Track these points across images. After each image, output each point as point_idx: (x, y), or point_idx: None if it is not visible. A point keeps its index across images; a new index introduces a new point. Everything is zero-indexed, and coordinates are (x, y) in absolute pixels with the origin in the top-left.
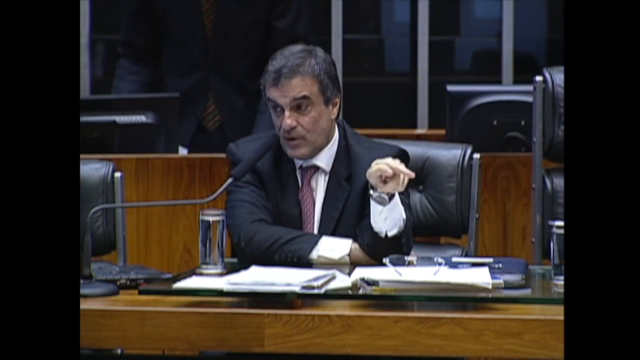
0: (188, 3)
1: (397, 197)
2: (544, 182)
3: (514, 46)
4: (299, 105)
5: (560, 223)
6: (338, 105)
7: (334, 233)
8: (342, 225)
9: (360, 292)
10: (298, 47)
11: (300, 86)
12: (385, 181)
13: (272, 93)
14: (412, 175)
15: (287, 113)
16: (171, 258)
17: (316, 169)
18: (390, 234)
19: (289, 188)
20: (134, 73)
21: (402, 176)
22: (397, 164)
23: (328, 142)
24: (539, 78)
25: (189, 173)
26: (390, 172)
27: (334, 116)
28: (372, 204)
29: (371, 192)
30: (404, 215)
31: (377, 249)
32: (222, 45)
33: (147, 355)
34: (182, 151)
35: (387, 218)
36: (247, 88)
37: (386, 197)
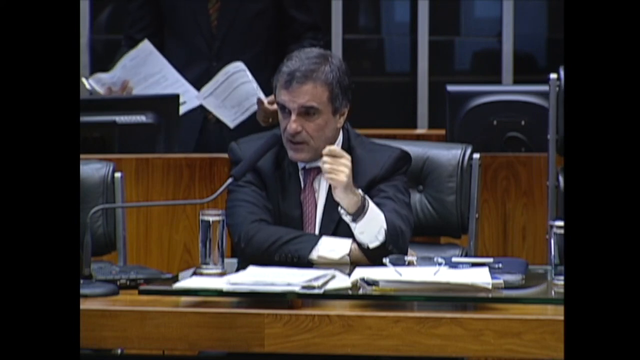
0: None
1: (370, 211)
2: (557, 180)
3: (514, 46)
4: (307, 111)
5: (560, 223)
6: (345, 115)
7: (334, 234)
8: (342, 226)
9: (360, 292)
10: (315, 52)
11: (310, 93)
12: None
13: (282, 96)
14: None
15: (293, 117)
16: (171, 258)
17: (319, 170)
18: (372, 245)
19: (291, 189)
20: None
21: (325, 166)
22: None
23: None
24: (553, 76)
25: (189, 173)
26: (327, 161)
27: (340, 125)
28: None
29: (339, 210)
30: (384, 226)
31: (367, 255)
32: (227, 34)
33: (147, 355)
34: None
35: (363, 232)
36: None
37: (349, 216)
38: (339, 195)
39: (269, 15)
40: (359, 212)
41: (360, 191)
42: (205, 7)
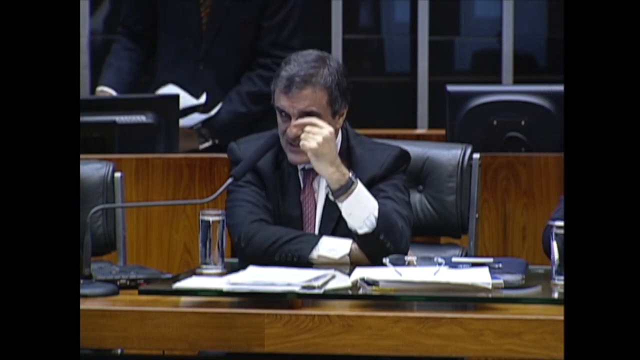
0: None
1: (358, 193)
2: None
3: (514, 46)
4: (307, 115)
5: (560, 223)
6: (344, 116)
7: (333, 233)
8: (341, 225)
9: (360, 292)
10: (313, 55)
11: (310, 98)
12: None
13: (282, 101)
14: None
15: (293, 122)
16: (171, 258)
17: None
18: (361, 232)
19: (291, 189)
20: (129, 49)
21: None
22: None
23: None
24: None
25: (189, 173)
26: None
27: (339, 126)
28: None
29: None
30: (375, 213)
31: (361, 247)
32: (214, 39)
33: (147, 355)
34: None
35: (351, 214)
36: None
37: (332, 194)
38: (315, 166)
39: (254, 28)
40: (343, 191)
41: (348, 171)
42: (198, 10)
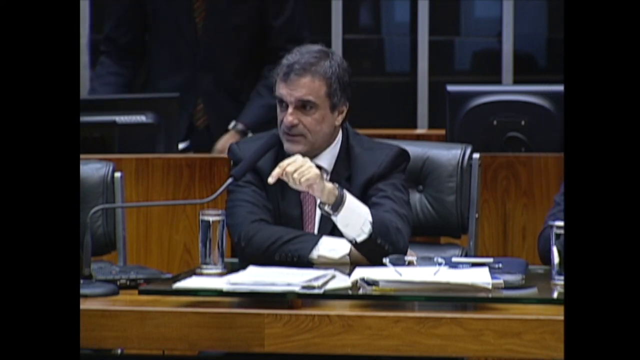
0: (179, 1)
1: (349, 201)
2: None
3: (514, 46)
4: (304, 105)
5: (560, 223)
6: (344, 114)
7: (332, 232)
8: None
9: (360, 292)
10: (315, 47)
11: (308, 87)
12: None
13: (280, 89)
14: (284, 168)
15: (290, 110)
16: (171, 258)
17: (318, 169)
18: (359, 239)
19: (290, 188)
20: (113, 74)
21: (289, 172)
22: (286, 163)
23: (330, 144)
24: None
25: (189, 173)
26: (279, 172)
27: (338, 123)
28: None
29: (319, 207)
30: (369, 218)
31: (361, 252)
32: (211, 44)
33: (147, 355)
34: (182, 145)
35: (347, 225)
36: (235, 89)
37: (328, 209)
38: (318, 190)
39: (253, 28)
40: (339, 201)
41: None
42: (192, 16)
